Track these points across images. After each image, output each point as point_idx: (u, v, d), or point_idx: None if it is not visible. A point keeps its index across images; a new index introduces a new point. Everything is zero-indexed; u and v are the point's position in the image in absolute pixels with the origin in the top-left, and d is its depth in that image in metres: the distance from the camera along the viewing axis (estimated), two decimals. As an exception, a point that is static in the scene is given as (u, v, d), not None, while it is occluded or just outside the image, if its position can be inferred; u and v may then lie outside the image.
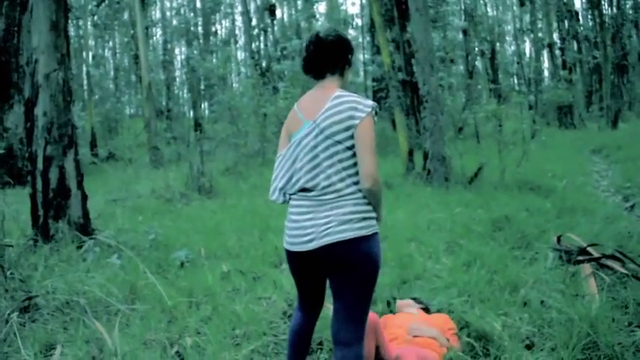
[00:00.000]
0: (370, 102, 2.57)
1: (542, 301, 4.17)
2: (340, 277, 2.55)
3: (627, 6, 28.99)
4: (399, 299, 4.33)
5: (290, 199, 2.71)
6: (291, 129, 2.72)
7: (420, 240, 6.18)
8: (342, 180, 2.53)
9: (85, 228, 6.10)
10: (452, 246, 5.98)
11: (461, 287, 4.60)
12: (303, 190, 2.61)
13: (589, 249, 4.99)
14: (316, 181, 2.56)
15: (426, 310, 4.08)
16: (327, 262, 2.56)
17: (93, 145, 20.74)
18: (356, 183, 2.55)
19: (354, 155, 2.55)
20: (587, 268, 4.68)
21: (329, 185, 2.53)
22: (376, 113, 2.58)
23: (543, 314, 3.94)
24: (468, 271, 5.03)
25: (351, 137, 2.53)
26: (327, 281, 2.71)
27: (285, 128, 2.79)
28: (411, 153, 11.40)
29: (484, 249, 5.61)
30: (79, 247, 5.68)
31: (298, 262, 2.69)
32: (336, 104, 2.56)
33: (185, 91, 36.12)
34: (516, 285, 4.55)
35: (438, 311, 4.16)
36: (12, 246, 4.89)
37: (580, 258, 4.90)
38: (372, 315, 3.16)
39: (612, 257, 4.84)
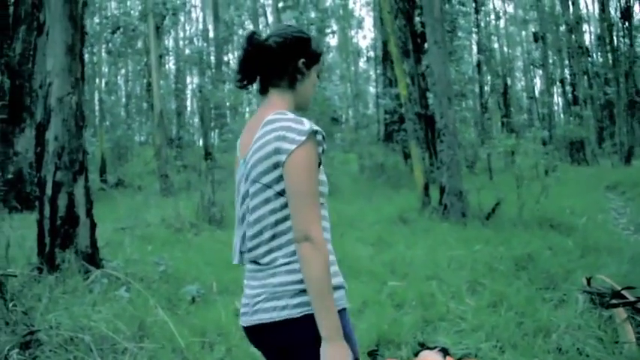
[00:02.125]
0: (306, 127, 1.80)
1: (578, 349, 3.90)
2: None
3: (638, 43, 28.98)
4: (422, 343, 4.06)
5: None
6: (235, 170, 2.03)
7: (440, 278, 5.92)
8: (273, 237, 1.83)
9: (92, 258, 5.87)
10: (474, 285, 5.72)
11: (488, 331, 4.33)
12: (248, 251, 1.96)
13: (624, 292, 4.71)
14: (245, 243, 1.92)
15: (446, 352, 3.81)
16: (264, 346, 1.93)
17: (102, 171, 20.66)
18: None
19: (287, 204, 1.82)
20: (622, 313, 4.41)
21: (256, 246, 1.86)
22: (323, 138, 1.84)
23: (582, 363, 3.67)
24: (495, 312, 4.77)
25: (282, 178, 1.80)
26: None
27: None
28: (426, 187, 11.17)
29: (509, 289, 5.34)
30: (86, 278, 5.45)
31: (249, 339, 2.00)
32: (264, 133, 1.83)
33: (196, 119, 36.21)
34: (548, 329, 4.28)
35: (466, 356, 3.90)
36: (16, 276, 4.67)
37: (614, 302, 4.62)
38: None
39: (649, 301, 4.56)
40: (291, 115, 1.85)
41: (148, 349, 3.88)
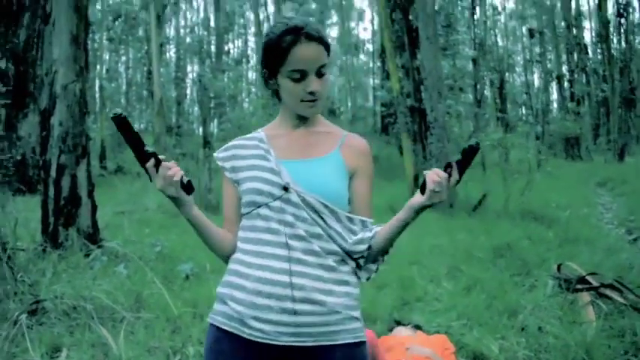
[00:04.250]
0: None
1: (539, 327, 4.24)
2: None
3: (636, 41, 29.25)
4: (397, 320, 4.36)
5: None
6: None
7: (421, 263, 6.26)
8: None
9: (93, 237, 6.21)
10: (453, 270, 6.05)
11: (460, 311, 4.67)
12: None
13: (588, 278, 5.06)
14: None
15: (419, 328, 4.12)
16: None
17: (102, 157, 20.96)
18: None
19: None
20: (585, 297, 4.75)
21: None
22: (230, 155, 1.84)
23: (540, 339, 4.01)
24: (468, 295, 5.10)
25: None
26: None
27: None
28: (416, 178, 11.48)
29: (485, 274, 5.68)
30: (87, 256, 5.79)
31: None
32: None
33: (195, 108, 36.47)
34: (515, 310, 4.62)
35: (437, 332, 4.23)
36: (24, 250, 5.01)
37: (579, 286, 4.97)
38: (369, 333, 3.23)
39: (611, 287, 4.89)
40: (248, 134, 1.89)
41: (144, 318, 4.22)
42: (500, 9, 34.87)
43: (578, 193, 13.08)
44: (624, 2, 26.03)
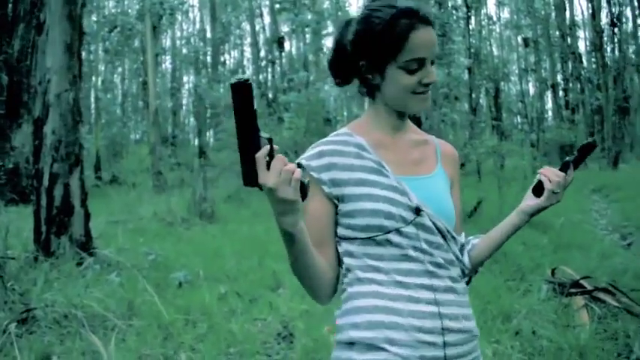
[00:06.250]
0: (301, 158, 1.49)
1: (533, 331, 4.23)
2: None
3: (629, 50, 29.45)
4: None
5: None
6: None
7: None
8: None
9: (85, 246, 6.19)
10: (447, 276, 6.03)
11: (454, 315, 4.65)
12: None
13: (582, 282, 5.06)
14: None
15: None
16: None
17: (97, 168, 20.94)
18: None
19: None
20: (579, 301, 4.75)
21: None
22: (322, 166, 1.44)
23: (534, 343, 4.00)
24: (462, 300, 5.09)
25: None
26: None
27: None
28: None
29: (479, 280, 5.65)
30: (79, 264, 5.76)
31: None
32: None
33: (191, 118, 36.52)
34: (509, 315, 4.61)
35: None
36: (14, 259, 4.98)
37: (573, 290, 4.97)
38: None
39: (605, 290, 4.90)
40: (328, 137, 1.53)
41: (136, 325, 4.20)
42: (495, 19, 35.08)
43: (572, 199, 13.07)
44: (617, 12, 26.24)
